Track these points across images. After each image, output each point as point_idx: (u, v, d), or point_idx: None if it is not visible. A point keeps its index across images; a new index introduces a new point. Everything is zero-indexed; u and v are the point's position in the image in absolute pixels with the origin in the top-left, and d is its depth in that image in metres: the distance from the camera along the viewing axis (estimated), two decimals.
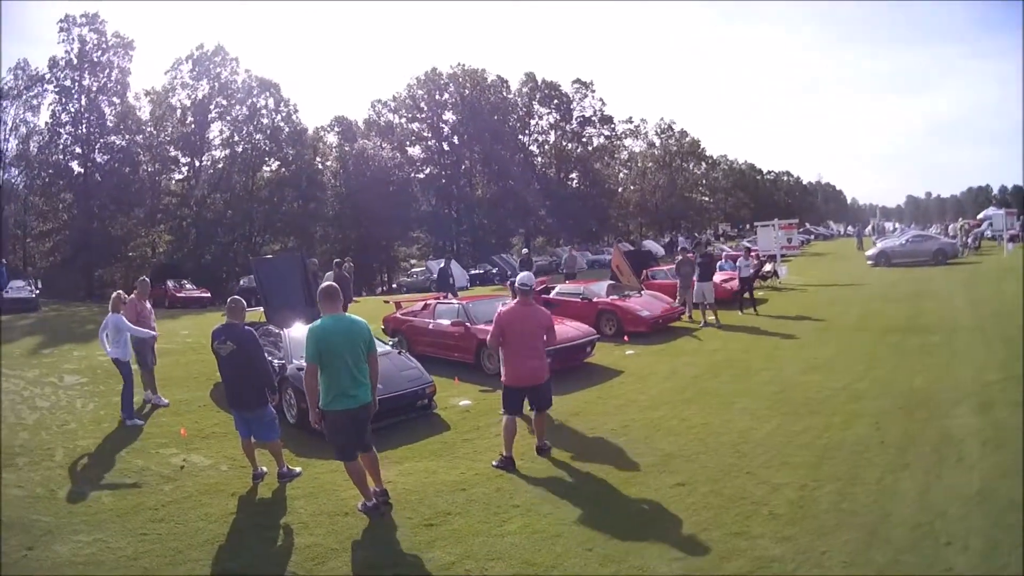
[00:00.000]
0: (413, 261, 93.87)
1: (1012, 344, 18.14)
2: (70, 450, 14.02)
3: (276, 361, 15.80)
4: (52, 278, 66.38)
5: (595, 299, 25.27)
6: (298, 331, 16.99)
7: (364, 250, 79.98)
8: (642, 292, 27.37)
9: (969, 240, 55.31)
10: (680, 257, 30.13)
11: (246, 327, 12.16)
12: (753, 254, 42.06)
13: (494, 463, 12.20)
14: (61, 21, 66.19)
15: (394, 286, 79.76)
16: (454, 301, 22.51)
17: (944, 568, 7.71)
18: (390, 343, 17.95)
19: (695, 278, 26.58)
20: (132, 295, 17.13)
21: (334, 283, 10.79)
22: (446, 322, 21.09)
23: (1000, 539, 8.15)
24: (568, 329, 19.92)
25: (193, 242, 72.70)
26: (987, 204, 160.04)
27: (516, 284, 12.75)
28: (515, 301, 12.61)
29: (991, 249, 54.51)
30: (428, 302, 23.47)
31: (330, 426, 10.11)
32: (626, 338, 22.93)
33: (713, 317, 26.13)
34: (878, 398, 14.48)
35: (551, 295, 26.70)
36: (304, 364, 10.27)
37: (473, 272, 66.03)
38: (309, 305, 20.65)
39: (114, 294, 16.40)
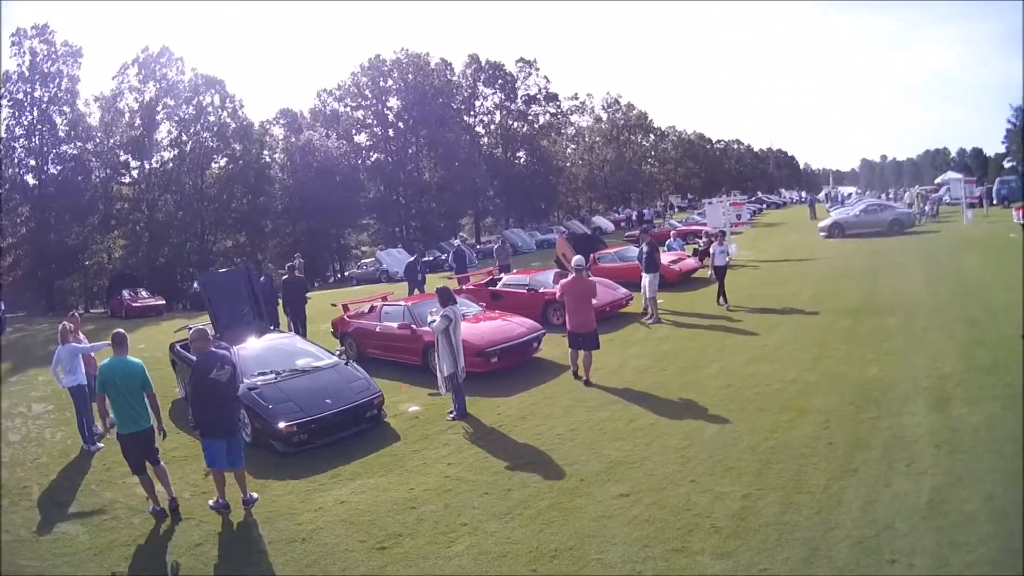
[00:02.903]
0: (365, 249, 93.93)
1: (974, 327, 17.97)
2: (44, 486, 14.14)
3: None
4: (14, 293, 64.92)
5: (541, 289, 24.91)
6: (248, 349, 17.28)
7: (314, 241, 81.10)
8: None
9: (927, 207, 55.02)
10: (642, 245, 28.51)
11: (221, 350, 12.73)
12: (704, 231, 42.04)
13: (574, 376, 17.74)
14: (13, 35, 66.07)
15: (345, 274, 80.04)
16: (401, 303, 22.21)
17: None
18: (337, 352, 17.76)
19: (642, 268, 24.78)
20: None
21: (121, 331, 12.47)
22: (393, 325, 20.95)
23: (949, 558, 7.99)
24: (513, 326, 20.00)
25: (147, 246, 72.40)
26: (945, 167, 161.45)
27: (573, 264, 18.71)
28: (572, 276, 17.87)
29: (950, 216, 54.16)
30: (374, 304, 23.26)
31: (122, 446, 11.87)
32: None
33: (653, 315, 24.33)
34: (828, 393, 14.31)
35: (497, 287, 26.87)
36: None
37: (423, 259, 65.04)
38: (258, 318, 20.64)
39: (60, 326, 16.37)
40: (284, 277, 26.91)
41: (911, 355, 16.32)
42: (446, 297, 15.97)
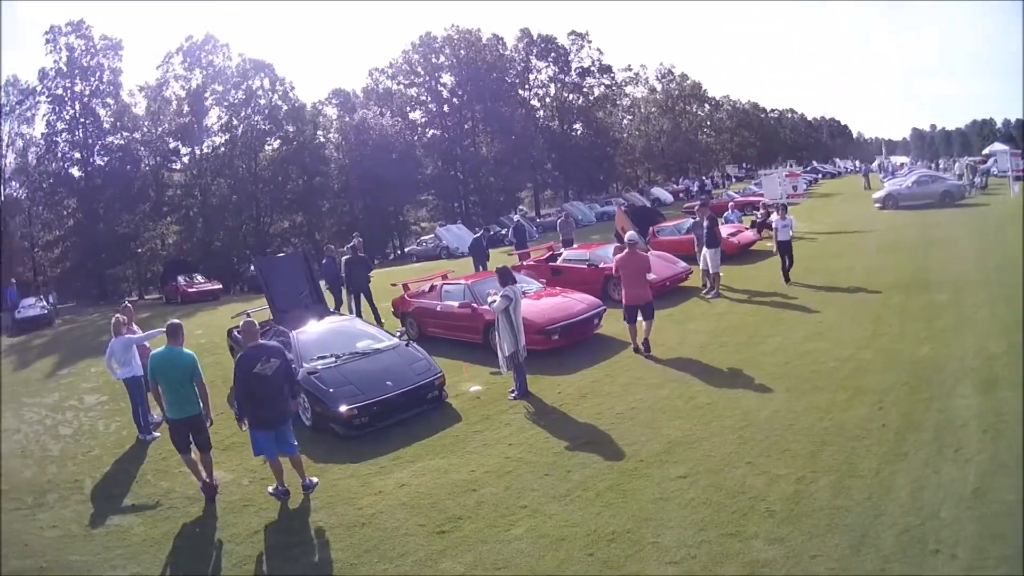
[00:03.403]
0: (424, 224, 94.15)
1: (1013, 305, 17.59)
2: (97, 479, 14.34)
3: None
4: (64, 284, 67.51)
5: (602, 264, 24.80)
6: (306, 333, 17.43)
7: (372, 218, 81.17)
8: (648, 253, 26.43)
9: (976, 179, 54.04)
10: (696, 216, 27.06)
11: (272, 342, 13.15)
12: (761, 203, 41.61)
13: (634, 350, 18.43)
14: (47, 32, 67.47)
15: (405, 250, 79.82)
16: (460, 281, 22.31)
17: None
18: (397, 333, 17.98)
19: (703, 243, 24.46)
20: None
21: (176, 321, 12.88)
22: (453, 304, 21.13)
23: (988, 550, 8.04)
24: (574, 303, 20.08)
25: (201, 230, 73.41)
26: (992, 138, 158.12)
27: (626, 239, 19.39)
28: (626, 251, 18.52)
29: (998, 187, 52.71)
30: (434, 283, 23.51)
31: (170, 429, 12.60)
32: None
33: (713, 289, 24.20)
34: (883, 371, 14.27)
35: (558, 262, 27.02)
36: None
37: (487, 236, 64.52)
38: (318, 302, 21.04)
39: (113, 318, 16.62)
40: (346, 257, 27.13)
41: (961, 334, 16.18)
42: (506, 277, 16.01)
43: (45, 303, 46.30)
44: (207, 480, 12.58)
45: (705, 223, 24.33)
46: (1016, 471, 9.61)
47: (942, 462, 10.19)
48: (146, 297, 68.29)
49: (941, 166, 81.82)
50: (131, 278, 75.65)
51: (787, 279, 24.39)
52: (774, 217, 25.67)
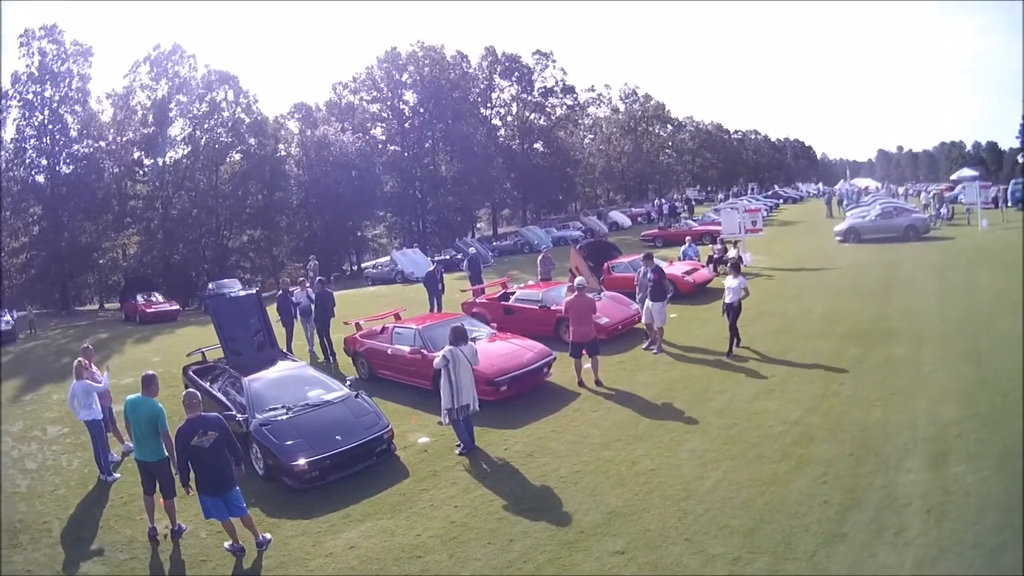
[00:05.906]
0: (383, 241, 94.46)
1: (979, 362, 17.62)
2: (64, 521, 14.45)
3: (239, 416, 16.08)
4: (27, 292, 67.28)
5: (553, 307, 24.73)
6: (259, 380, 17.58)
7: (331, 235, 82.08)
8: (602, 294, 26.61)
9: (942, 210, 54.44)
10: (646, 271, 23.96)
11: (212, 414, 13.16)
12: (720, 238, 41.19)
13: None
14: (21, 36, 67.02)
15: (361, 266, 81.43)
16: (412, 325, 22.08)
17: None
18: (347, 382, 17.89)
19: (647, 296, 23.06)
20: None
21: (151, 373, 13.94)
22: (404, 348, 21.02)
23: None
24: (523, 352, 20.13)
25: (161, 243, 73.35)
26: (960, 161, 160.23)
27: (575, 284, 21.06)
28: (575, 294, 20.37)
29: (964, 218, 52.58)
30: (386, 325, 23.38)
31: (138, 468, 13.63)
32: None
33: (655, 347, 22.84)
34: (830, 439, 14.15)
35: (510, 301, 27.06)
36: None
37: (438, 258, 63.30)
38: (272, 345, 21.16)
39: (75, 362, 16.88)
40: (315, 292, 26.99)
41: (915, 396, 15.98)
42: (456, 337, 16.06)
43: (10, 318, 45.54)
44: (154, 525, 13.38)
45: (650, 275, 23.15)
46: (956, 558, 9.65)
47: (880, 545, 10.19)
48: (106, 307, 69.58)
49: (903, 192, 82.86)
50: (93, 286, 76.94)
51: (730, 351, 21.53)
52: (729, 280, 23.37)
